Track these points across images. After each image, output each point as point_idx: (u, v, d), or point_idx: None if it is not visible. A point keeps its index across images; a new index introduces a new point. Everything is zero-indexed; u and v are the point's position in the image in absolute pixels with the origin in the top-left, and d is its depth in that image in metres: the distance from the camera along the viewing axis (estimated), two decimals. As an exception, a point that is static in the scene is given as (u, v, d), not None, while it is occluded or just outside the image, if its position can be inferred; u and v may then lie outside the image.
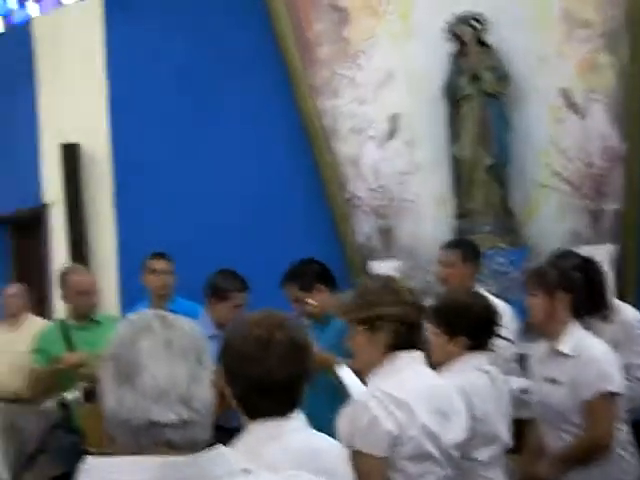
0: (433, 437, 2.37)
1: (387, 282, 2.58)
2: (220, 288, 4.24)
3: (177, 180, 6.58)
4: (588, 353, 3.11)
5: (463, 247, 4.38)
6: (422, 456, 2.35)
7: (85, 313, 4.48)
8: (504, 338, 3.31)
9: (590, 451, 3.09)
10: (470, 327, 2.90)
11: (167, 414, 1.23)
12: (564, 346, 3.16)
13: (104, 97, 6.82)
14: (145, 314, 1.33)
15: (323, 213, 6.24)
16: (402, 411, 2.32)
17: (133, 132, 6.67)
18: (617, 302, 3.85)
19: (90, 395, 3.00)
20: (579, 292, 3.26)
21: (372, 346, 2.46)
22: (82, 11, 7.09)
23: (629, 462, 3.20)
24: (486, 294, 3.99)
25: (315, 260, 4.16)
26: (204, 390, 1.28)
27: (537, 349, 3.48)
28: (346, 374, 3.25)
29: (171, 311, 3.96)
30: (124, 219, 6.82)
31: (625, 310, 3.87)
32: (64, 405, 2.95)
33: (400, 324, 2.43)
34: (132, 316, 1.33)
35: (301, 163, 6.31)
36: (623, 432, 3.19)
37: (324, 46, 6.34)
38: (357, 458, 2.20)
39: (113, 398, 1.26)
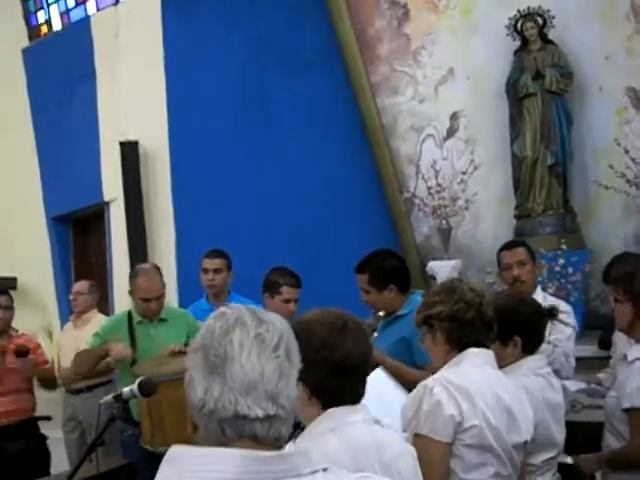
0: (496, 431, 2.45)
1: (447, 283, 2.70)
2: (273, 283, 4.39)
3: (235, 178, 6.83)
4: (635, 362, 3.13)
5: (527, 247, 4.40)
6: (482, 447, 2.43)
7: (147, 316, 4.58)
8: (564, 322, 3.40)
9: (628, 461, 3.14)
10: (520, 328, 2.98)
11: (254, 408, 1.28)
12: (631, 351, 3.23)
13: (163, 94, 7.07)
14: (237, 307, 1.37)
15: (382, 212, 6.49)
16: (465, 399, 2.40)
17: (192, 130, 6.91)
18: None
19: (146, 389, 3.18)
20: None
21: (436, 345, 2.57)
22: (140, 8, 7.37)
23: None
24: (546, 295, 4.18)
25: (396, 255, 4.11)
26: (291, 387, 1.33)
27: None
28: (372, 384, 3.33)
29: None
30: (183, 216, 7.09)
31: None
32: (121, 399, 3.14)
33: (451, 322, 2.52)
34: (224, 309, 1.38)
35: (360, 162, 6.54)
36: None
37: (384, 43, 6.59)
38: (420, 442, 2.30)
39: (201, 388, 1.30)
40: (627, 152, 5.69)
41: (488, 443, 2.43)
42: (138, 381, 3.06)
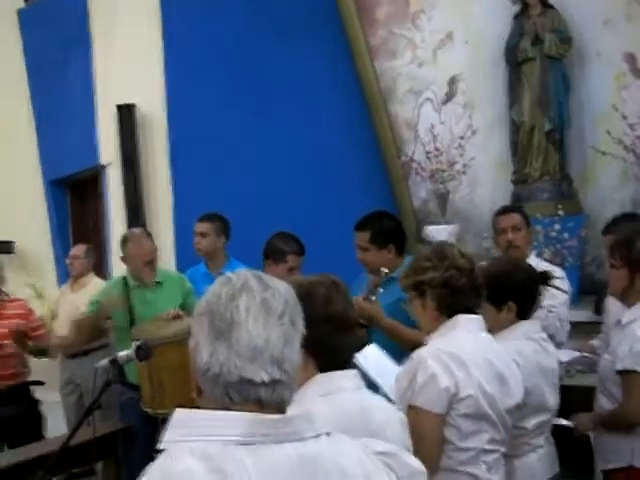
0: (490, 398, 2.49)
1: (437, 247, 2.73)
2: (279, 250, 4.38)
3: (233, 142, 6.86)
4: (634, 328, 3.20)
5: (522, 212, 4.53)
6: (477, 415, 2.47)
7: (142, 279, 4.67)
8: (557, 288, 3.39)
9: (622, 422, 3.23)
10: (515, 293, 3.03)
11: (260, 373, 1.31)
12: (625, 316, 3.31)
13: (160, 58, 7.06)
14: (243, 273, 1.40)
15: (379, 176, 6.55)
16: (460, 369, 2.44)
17: (189, 93, 6.92)
18: None
19: (142, 353, 3.21)
20: None
21: (425, 311, 2.60)
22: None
23: None
24: (542, 261, 4.24)
25: (393, 217, 4.22)
26: (295, 352, 1.36)
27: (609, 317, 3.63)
28: (369, 355, 3.24)
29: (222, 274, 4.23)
30: (180, 180, 7.11)
31: None
32: (116, 363, 3.16)
33: (442, 288, 2.55)
34: (230, 274, 1.41)
35: (358, 125, 6.59)
36: None
37: (383, 6, 6.61)
38: (414, 414, 2.33)
39: (207, 352, 1.33)
40: (625, 118, 5.74)
41: (483, 411, 2.48)
42: (135, 345, 3.10)
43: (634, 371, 3.15)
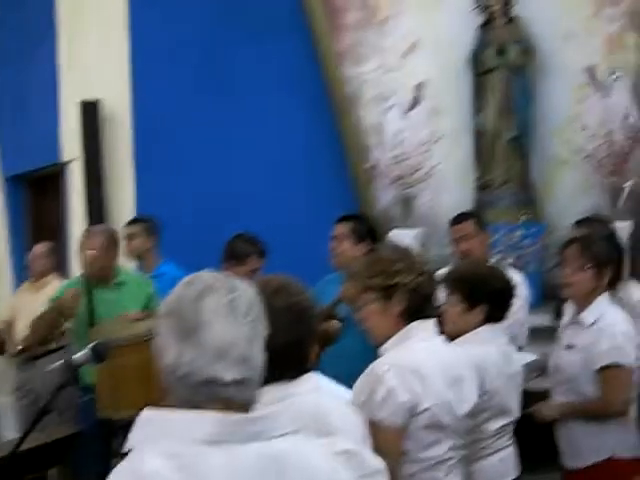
0: (448, 407, 2.51)
1: (402, 251, 2.75)
2: (240, 252, 4.42)
3: (198, 142, 6.87)
4: (606, 323, 3.31)
5: (475, 217, 4.62)
6: (437, 426, 2.49)
7: (94, 278, 4.53)
8: (518, 296, 3.45)
9: (601, 415, 3.35)
10: (489, 298, 3.09)
11: (228, 372, 1.33)
12: (587, 315, 3.40)
13: (126, 54, 7.03)
14: (207, 274, 1.42)
15: (344, 181, 6.64)
16: (418, 381, 2.44)
17: (155, 91, 6.88)
18: (628, 279, 4.18)
19: (98, 354, 3.16)
20: (617, 264, 3.53)
21: (385, 315, 2.57)
22: (105, -36, 7.29)
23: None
24: (502, 266, 4.42)
25: (367, 218, 4.47)
26: (259, 350, 1.40)
27: (564, 319, 3.74)
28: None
29: (156, 276, 4.35)
30: (143, 178, 7.07)
31: (630, 287, 4.17)
32: (71, 364, 3.12)
33: (415, 294, 2.55)
34: (194, 276, 1.42)
35: (324, 130, 6.67)
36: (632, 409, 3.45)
37: (351, 11, 6.71)
38: (374, 429, 2.29)
39: (173, 353, 1.35)
40: (585, 128, 5.97)
41: (443, 422, 2.52)
42: (91, 346, 3.03)
43: (617, 365, 3.29)
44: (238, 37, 6.81)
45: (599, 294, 3.45)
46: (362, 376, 2.53)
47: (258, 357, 1.40)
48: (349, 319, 3.79)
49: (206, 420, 1.31)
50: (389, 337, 2.58)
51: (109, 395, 3.84)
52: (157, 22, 6.94)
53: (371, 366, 2.52)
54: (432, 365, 2.52)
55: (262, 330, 1.42)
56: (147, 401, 1.42)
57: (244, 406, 1.37)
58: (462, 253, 4.39)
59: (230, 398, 1.35)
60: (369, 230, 4.23)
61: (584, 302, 3.47)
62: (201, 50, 6.90)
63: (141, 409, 1.35)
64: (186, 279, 1.42)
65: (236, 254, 4.44)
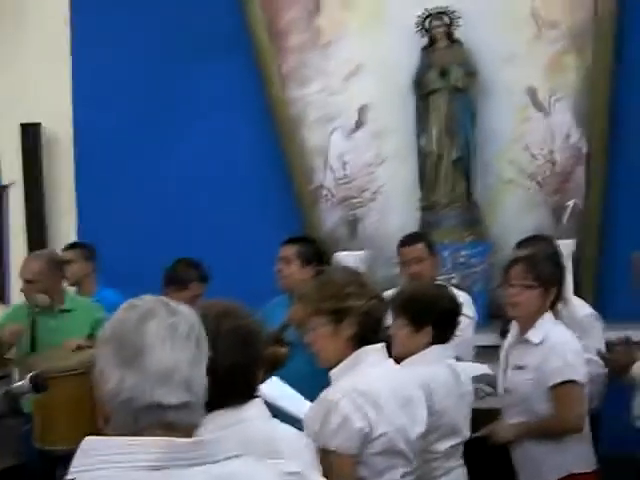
0: (402, 432, 2.53)
1: (354, 274, 2.76)
2: (182, 277, 4.40)
3: (140, 164, 6.80)
4: (554, 342, 3.36)
5: (425, 240, 4.64)
6: (391, 452, 2.50)
7: (32, 303, 4.42)
8: (462, 312, 3.48)
9: (557, 433, 3.39)
10: (436, 319, 3.12)
11: (170, 396, 1.33)
12: (533, 335, 3.44)
13: (67, 76, 6.97)
14: (148, 299, 1.42)
15: (289, 203, 6.60)
16: (372, 408, 2.44)
17: (97, 113, 6.82)
18: (571, 296, 4.27)
19: (37, 385, 3.08)
20: (560, 281, 3.59)
21: (336, 339, 2.56)
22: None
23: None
24: (448, 286, 4.42)
25: (315, 241, 4.45)
26: (202, 374, 1.40)
27: (508, 339, 3.76)
28: (272, 387, 3.21)
29: (95, 302, 4.22)
30: (84, 202, 7.00)
31: (578, 304, 4.26)
32: (11, 395, 3.02)
33: (366, 318, 2.55)
34: (135, 300, 1.42)
35: (268, 152, 6.64)
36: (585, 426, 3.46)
37: (295, 34, 6.71)
38: (327, 456, 2.32)
39: (114, 379, 1.34)
40: (527, 149, 6.05)
41: (397, 447, 2.52)
42: (29, 376, 2.99)
43: (571, 381, 3.32)
44: (182, 58, 6.78)
45: (544, 313, 3.48)
46: (314, 404, 2.53)
47: (201, 381, 1.39)
48: (297, 343, 3.77)
49: (150, 446, 1.30)
50: (339, 361, 2.57)
51: (42, 427, 3.73)
52: (100, 44, 6.89)
53: (324, 393, 2.51)
54: (385, 390, 2.51)
55: (204, 353, 1.42)
56: (82, 433, 1.38)
57: (188, 430, 1.36)
58: (411, 275, 4.39)
59: (173, 423, 1.34)
60: (316, 252, 4.21)
61: (529, 322, 3.49)
62: (144, 71, 6.86)
63: (77, 441, 1.33)
64: (126, 304, 1.42)
65: (177, 279, 4.40)
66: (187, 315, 1.42)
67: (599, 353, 3.90)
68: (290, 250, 4.12)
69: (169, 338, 1.35)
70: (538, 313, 3.47)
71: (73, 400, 3.49)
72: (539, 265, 3.49)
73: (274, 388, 3.19)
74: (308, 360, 3.47)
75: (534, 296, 3.46)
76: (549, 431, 3.43)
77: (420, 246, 4.49)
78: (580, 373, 3.37)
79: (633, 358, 3.80)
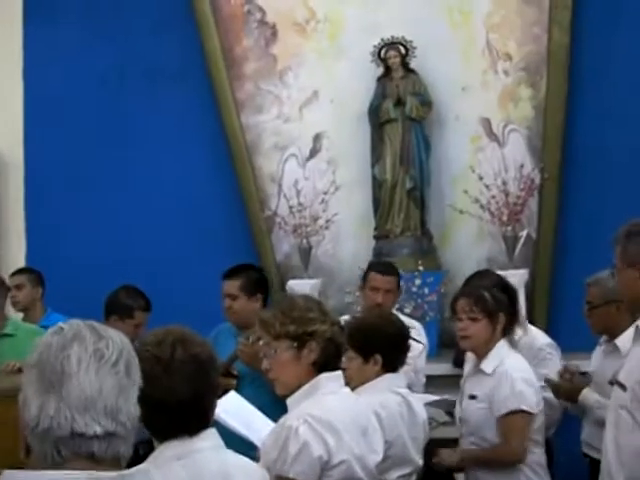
0: (361, 460, 2.50)
1: (313, 301, 2.77)
2: (125, 306, 4.37)
3: (92, 189, 6.70)
4: (506, 371, 3.39)
5: (397, 274, 4.66)
6: (350, 479, 2.48)
7: None
8: (414, 339, 3.57)
9: (501, 462, 3.41)
10: (383, 347, 3.13)
11: (92, 425, 1.26)
12: (486, 364, 3.48)
13: (20, 101, 6.86)
14: (76, 323, 1.36)
15: (243, 230, 6.54)
16: (331, 435, 2.42)
17: (48, 137, 6.73)
18: (527, 325, 4.26)
19: None
20: (508, 309, 3.59)
21: (297, 364, 2.54)
22: (1, 10, 7.07)
23: None
24: (400, 315, 4.38)
25: (260, 269, 4.45)
26: (131, 403, 1.32)
27: (467, 369, 3.83)
28: (229, 405, 3.16)
29: (43, 327, 4.22)
30: (34, 229, 6.86)
31: (537, 333, 4.30)
32: None
33: (329, 343, 2.55)
34: (62, 324, 1.37)
35: (222, 178, 6.59)
36: (536, 454, 3.47)
37: (251, 61, 6.69)
38: None
39: (35, 406, 1.27)
40: (481, 179, 6.05)
41: (356, 476, 2.49)
42: None
43: (520, 410, 3.32)
44: (137, 83, 6.73)
45: (496, 342, 3.50)
46: (272, 431, 2.51)
47: (129, 410, 1.31)
48: (246, 375, 3.78)
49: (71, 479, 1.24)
50: (298, 387, 2.54)
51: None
52: (53, 69, 6.81)
53: (282, 420, 2.48)
54: (343, 418, 2.50)
55: (135, 381, 1.35)
56: (3, 465, 1.31)
57: (113, 462, 1.29)
58: (374, 304, 4.37)
59: (97, 453, 1.27)
60: (259, 280, 4.19)
61: (483, 351, 3.52)
62: (98, 95, 6.77)
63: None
64: (53, 328, 1.36)
65: (119, 308, 4.37)
66: (116, 340, 1.35)
67: (547, 381, 3.89)
68: (233, 286, 4.07)
69: (93, 364, 1.29)
70: (490, 343, 3.50)
71: (6, 426, 3.33)
72: (482, 297, 3.54)
73: (231, 405, 3.15)
74: (257, 392, 3.46)
75: (482, 327, 3.50)
76: (491, 460, 3.44)
77: (394, 279, 4.55)
78: (529, 402, 3.37)
79: (579, 387, 3.83)
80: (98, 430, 1.26)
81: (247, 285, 4.05)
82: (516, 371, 3.41)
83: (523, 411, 3.34)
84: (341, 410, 2.53)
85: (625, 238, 2.75)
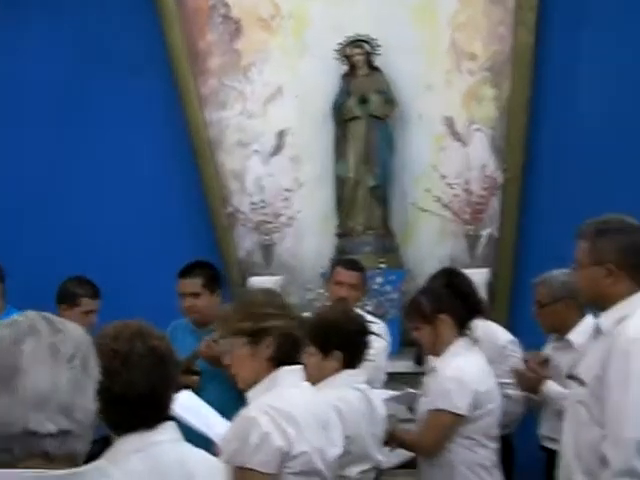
0: (320, 452, 2.52)
1: (272, 296, 2.77)
2: (71, 294, 4.43)
3: (50, 179, 6.57)
4: (442, 371, 3.45)
5: (363, 271, 4.68)
6: (310, 472, 2.49)
7: None
8: (374, 333, 3.55)
9: (415, 452, 3.54)
10: (342, 342, 3.13)
11: (46, 423, 1.21)
12: (440, 363, 3.51)
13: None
14: (31, 315, 1.30)
15: (204, 226, 6.45)
16: (292, 427, 2.42)
17: (7, 134, 6.59)
18: (489, 323, 4.25)
19: None
20: (454, 307, 3.58)
21: (254, 359, 2.55)
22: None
23: None
24: (362, 312, 4.34)
25: (211, 264, 4.39)
26: (87, 400, 1.27)
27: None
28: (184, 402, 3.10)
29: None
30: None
31: (499, 331, 4.34)
32: None
33: (285, 338, 2.55)
34: (16, 316, 1.30)
35: (184, 174, 6.49)
36: (479, 454, 3.43)
37: (215, 57, 6.60)
38: (244, 475, 2.32)
39: None
40: (444, 178, 6.03)
41: (315, 467, 2.49)
42: None
43: (443, 410, 3.36)
44: (99, 74, 6.57)
45: (450, 342, 3.51)
46: (233, 423, 2.51)
47: (85, 406, 1.26)
48: (207, 372, 3.82)
49: (21, 478, 1.18)
50: (257, 382, 2.56)
51: None
52: (12, 57, 6.65)
53: (242, 412, 2.46)
54: (304, 410, 2.52)
55: (92, 377, 1.29)
56: None
57: (69, 460, 1.23)
58: (337, 298, 4.37)
59: (50, 452, 1.21)
60: (216, 275, 4.22)
61: (439, 352, 3.56)
62: (59, 83, 6.64)
63: None
64: (6, 321, 1.28)
65: (66, 297, 4.42)
66: (73, 334, 1.28)
67: (512, 370, 3.94)
68: (195, 284, 4.09)
69: (47, 359, 1.23)
70: (442, 344, 3.52)
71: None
72: (417, 305, 3.60)
73: (187, 401, 3.12)
74: (218, 389, 3.44)
75: (425, 334, 3.56)
76: (412, 449, 3.55)
77: (359, 275, 4.56)
78: (455, 404, 3.36)
79: (543, 377, 3.84)
80: (52, 428, 1.21)
81: (208, 282, 4.07)
82: (448, 370, 3.42)
83: (445, 411, 3.36)
84: (301, 403, 2.54)
85: (595, 235, 2.70)
